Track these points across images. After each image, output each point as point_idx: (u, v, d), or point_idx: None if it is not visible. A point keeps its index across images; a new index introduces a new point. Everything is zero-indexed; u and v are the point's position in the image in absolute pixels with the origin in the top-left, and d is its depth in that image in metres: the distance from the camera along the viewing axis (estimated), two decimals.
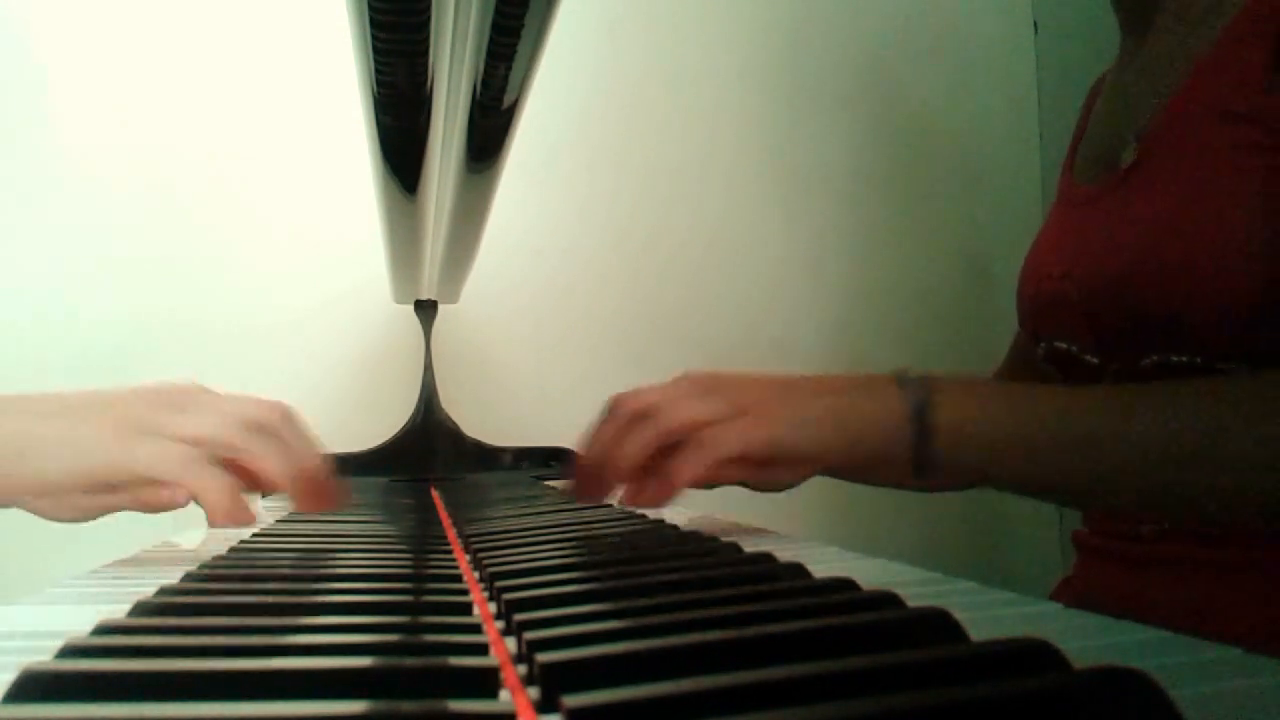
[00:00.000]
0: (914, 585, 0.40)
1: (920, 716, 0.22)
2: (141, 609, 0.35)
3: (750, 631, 0.28)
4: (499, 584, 0.38)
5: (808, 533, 0.59)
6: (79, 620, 0.33)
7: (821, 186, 1.35)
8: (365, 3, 0.40)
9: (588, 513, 0.63)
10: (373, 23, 0.41)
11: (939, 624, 0.29)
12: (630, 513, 0.69)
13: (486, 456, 1.08)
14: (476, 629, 0.32)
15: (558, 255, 1.25)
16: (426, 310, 1.08)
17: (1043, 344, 0.79)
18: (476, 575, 0.44)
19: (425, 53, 0.44)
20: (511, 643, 0.31)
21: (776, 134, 1.34)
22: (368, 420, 1.06)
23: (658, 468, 0.57)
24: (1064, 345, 0.76)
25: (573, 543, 0.52)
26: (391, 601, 0.37)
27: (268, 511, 0.75)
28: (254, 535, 0.62)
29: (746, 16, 1.34)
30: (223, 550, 0.55)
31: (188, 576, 0.43)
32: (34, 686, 0.25)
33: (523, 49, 0.45)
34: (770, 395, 0.58)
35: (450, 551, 0.52)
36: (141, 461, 0.51)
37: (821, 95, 1.36)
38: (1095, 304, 0.71)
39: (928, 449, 0.56)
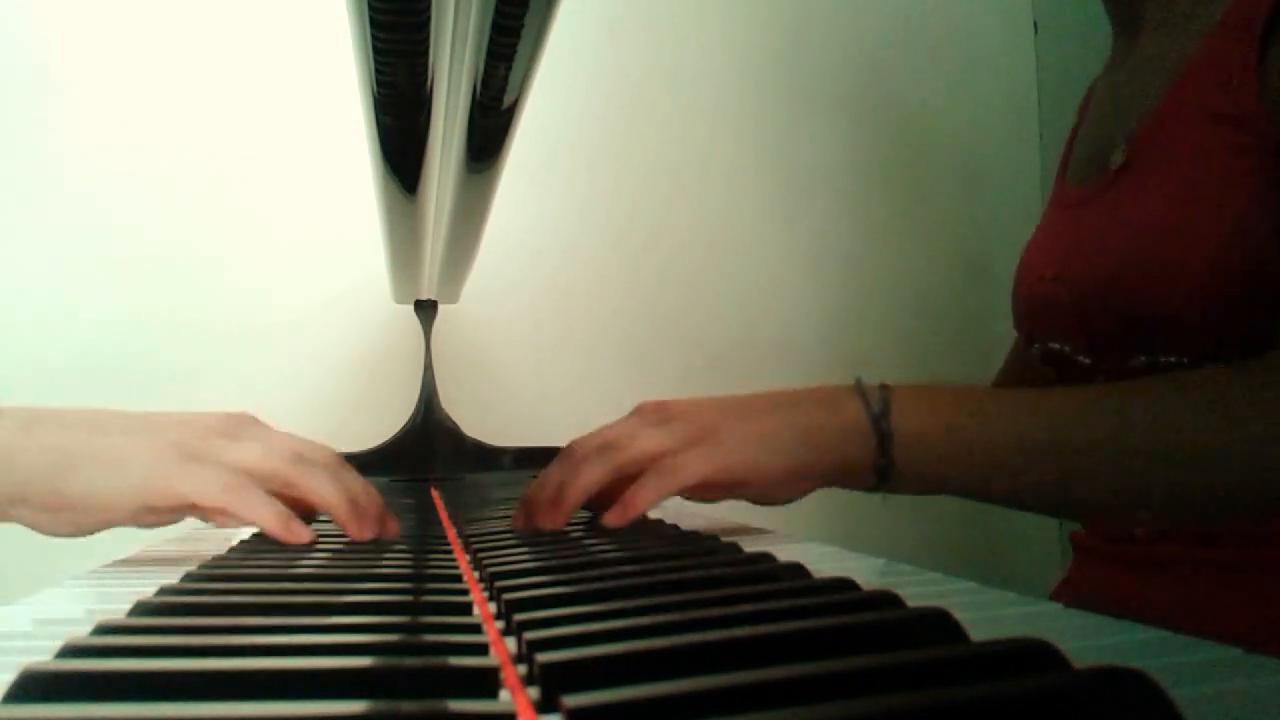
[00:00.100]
0: (914, 585, 0.40)
1: (920, 716, 0.22)
2: (141, 609, 0.35)
3: (750, 631, 0.28)
4: (499, 584, 0.38)
5: (808, 533, 0.59)
6: (79, 620, 0.33)
7: (821, 186, 1.35)
8: (365, 3, 0.40)
9: (587, 513, 0.63)
10: (373, 23, 0.41)
11: (939, 624, 0.29)
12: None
13: (486, 456, 1.08)
14: (476, 629, 0.32)
15: (558, 255, 1.25)
16: (426, 310, 1.08)
17: (1037, 345, 0.79)
18: (476, 575, 0.44)
19: (425, 53, 0.44)
20: (511, 643, 0.31)
21: (776, 134, 1.34)
22: (368, 420, 1.06)
23: (615, 498, 0.57)
24: (1057, 346, 0.76)
25: (573, 543, 0.52)
26: (391, 601, 0.37)
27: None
28: (254, 535, 0.62)
29: (746, 16, 1.34)
30: (223, 550, 0.55)
31: (188, 576, 0.43)
32: (34, 686, 0.25)
33: (523, 49, 0.45)
34: (726, 419, 0.58)
35: (450, 551, 0.52)
36: (188, 487, 0.51)
37: (821, 95, 1.36)
38: (1086, 305, 0.71)
39: (888, 457, 0.56)
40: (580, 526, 0.58)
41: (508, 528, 0.60)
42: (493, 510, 0.72)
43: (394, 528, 0.57)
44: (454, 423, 1.08)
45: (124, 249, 1.14)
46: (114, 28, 1.15)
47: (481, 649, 0.29)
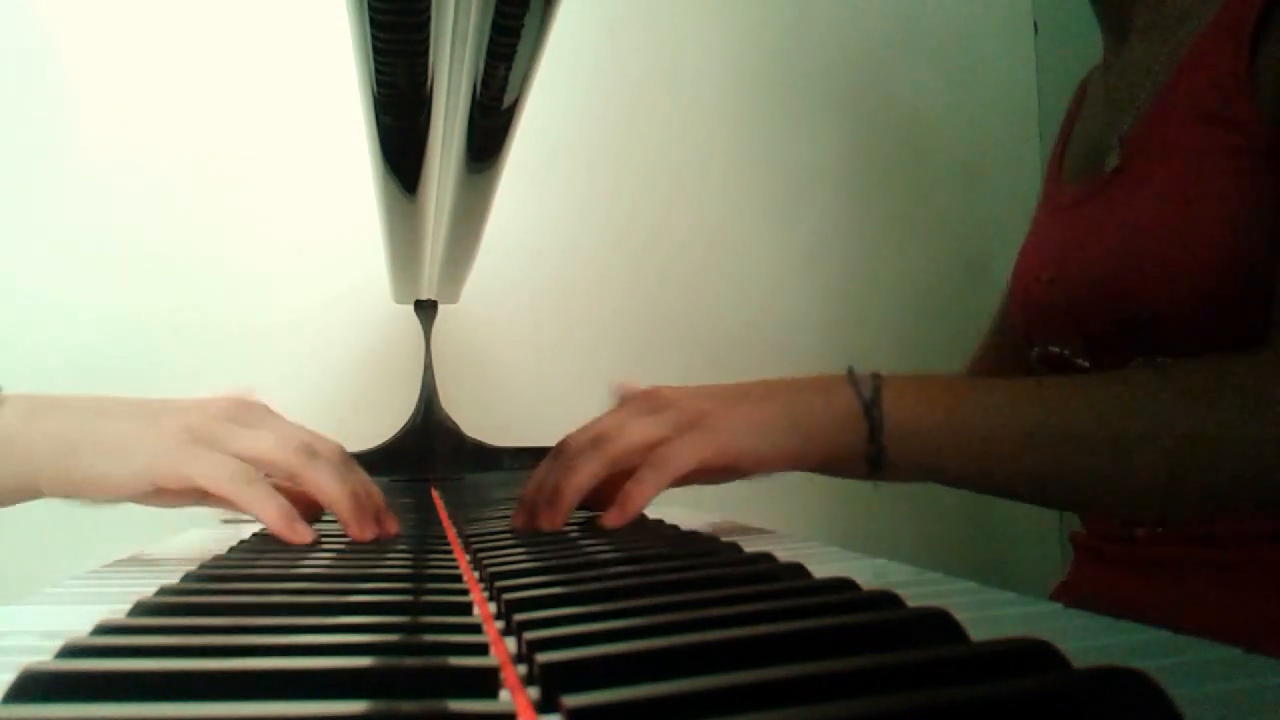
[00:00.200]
0: (914, 585, 0.40)
1: (920, 716, 0.22)
2: (141, 609, 0.35)
3: (750, 631, 0.28)
4: (499, 584, 0.38)
5: (808, 533, 0.59)
6: (79, 620, 0.33)
7: (821, 186, 1.35)
8: (365, 3, 0.40)
9: (586, 512, 0.63)
10: (373, 23, 0.41)
11: (939, 624, 0.29)
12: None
13: (486, 456, 1.08)
14: (476, 629, 0.32)
15: (558, 255, 1.25)
16: (426, 310, 1.08)
17: (1036, 349, 0.79)
18: (476, 575, 0.44)
19: (425, 53, 0.44)
20: (511, 643, 0.31)
21: (776, 134, 1.34)
22: (368, 420, 1.06)
23: (612, 492, 0.57)
24: (1056, 350, 0.76)
25: (573, 543, 0.52)
26: (391, 601, 0.37)
27: None
28: (254, 535, 0.62)
29: (746, 17, 1.34)
30: (223, 550, 0.55)
31: (188, 576, 0.43)
32: (34, 686, 0.25)
33: (523, 49, 0.45)
34: (718, 405, 0.58)
35: (450, 551, 0.51)
36: (196, 472, 0.52)
37: (821, 95, 1.36)
38: (1083, 307, 0.71)
39: (879, 444, 0.56)
40: (580, 526, 0.58)
41: (508, 528, 0.60)
42: (493, 510, 0.72)
43: (394, 526, 0.57)
44: (454, 423, 1.08)
45: (124, 249, 1.14)
46: (113, 28, 1.15)
47: (481, 649, 0.29)
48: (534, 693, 0.25)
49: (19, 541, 1.03)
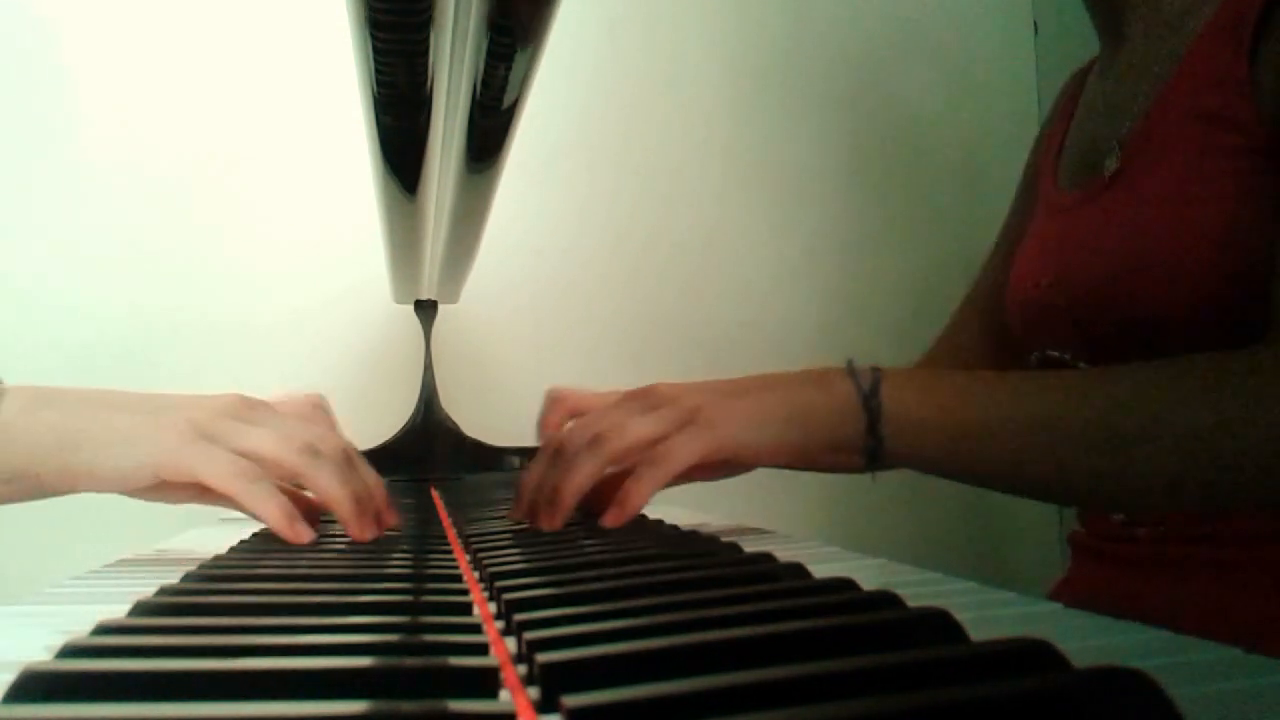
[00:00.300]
0: (914, 585, 0.40)
1: (920, 716, 0.22)
2: (141, 609, 0.35)
3: (750, 631, 0.28)
4: (499, 584, 0.38)
5: (808, 533, 0.59)
6: (79, 620, 0.33)
7: (821, 186, 1.35)
8: (365, 3, 0.40)
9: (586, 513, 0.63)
10: (373, 23, 0.41)
11: (939, 624, 0.29)
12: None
13: (486, 456, 1.08)
14: (476, 629, 0.32)
15: (558, 255, 1.25)
16: (426, 310, 1.08)
17: (1035, 353, 0.79)
18: (476, 575, 0.44)
19: (425, 53, 0.44)
20: (511, 643, 0.31)
21: (776, 134, 1.34)
22: (368, 420, 1.06)
23: (611, 491, 0.57)
24: (1056, 353, 0.76)
25: (572, 543, 0.52)
26: (391, 601, 0.37)
27: None
28: (254, 535, 0.62)
29: (746, 17, 1.34)
30: (223, 550, 0.55)
31: (188, 576, 0.43)
32: (34, 686, 0.25)
33: (523, 49, 0.45)
34: (715, 399, 0.57)
35: (450, 551, 0.51)
36: (200, 467, 0.52)
37: (821, 95, 1.36)
38: (1083, 310, 0.71)
39: (877, 436, 0.56)
40: (579, 526, 0.58)
41: (508, 527, 0.60)
42: (493, 510, 0.72)
43: (393, 519, 0.57)
44: (454, 423, 1.08)
45: (124, 249, 1.14)
46: (114, 29, 1.15)
47: (481, 649, 0.29)
48: (534, 693, 0.25)
49: (19, 541, 1.03)
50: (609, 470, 0.57)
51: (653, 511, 0.71)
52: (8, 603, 0.40)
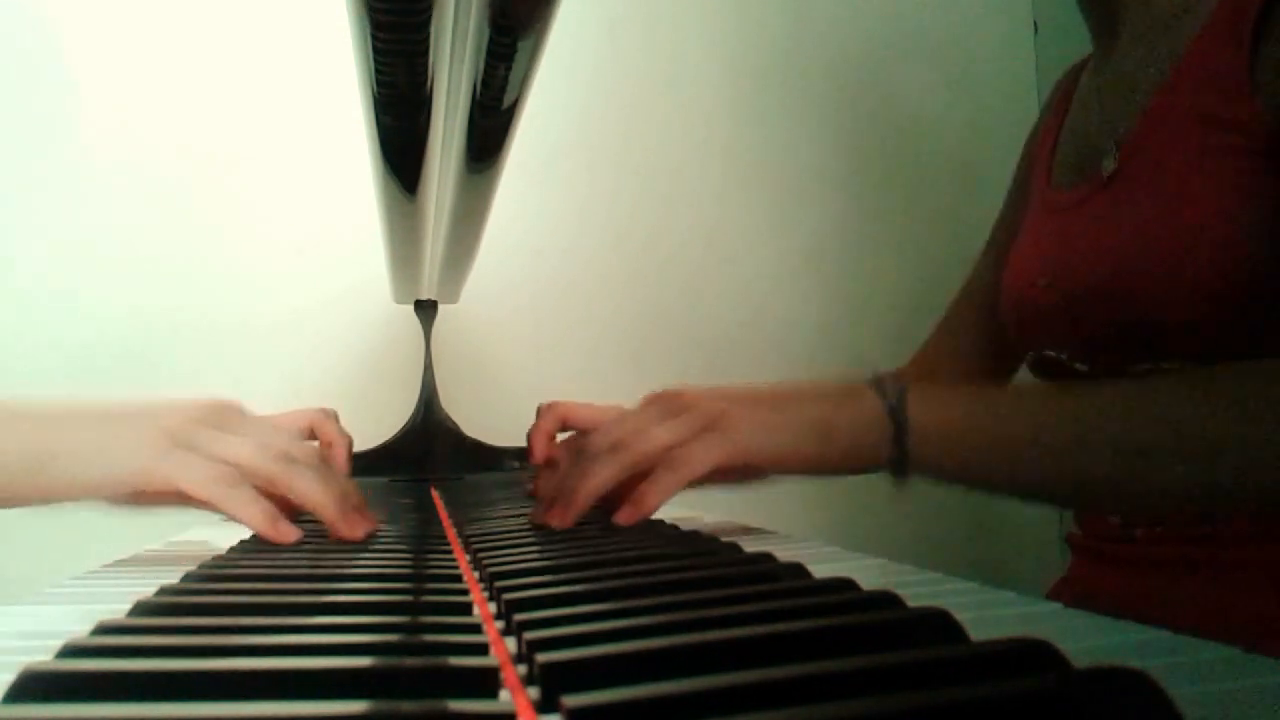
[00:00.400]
0: (914, 585, 0.40)
1: (920, 716, 0.22)
2: (141, 609, 0.35)
3: (750, 631, 0.28)
4: (499, 584, 0.38)
5: (808, 533, 0.59)
6: (79, 620, 0.33)
7: (821, 186, 1.35)
8: (365, 3, 0.40)
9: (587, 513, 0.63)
10: (373, 23, 0.41)
11: (939, 624, 0.29)
12: None
13: (486, 456, 1.08)
14: (476, 629, 0.32)
15: (558, 255, 1.25)
16: (426, 310, 1.08)
17: (1031, 354, 0.79)
18: (476, 575, 0.44)
19: (425, 53, 0.44)
20: (511, 643, 0.31)
21: (776, 134, 1.34)
22: (368, 420, 1.06)
23: (628, 492, 0.57)
24: (1053, 354, 0.76)
25: (573, 543, 0.52)
26: (391, 601, 0.37)
27: None
28: (253, 536, 0.62)
29: (746, 17, 1.34)
30: (223, 550, 0.55)
31: (188, 576, 0.43)
32: (34, 686, 0.25)
33: (523, 49, 0.45)
34: (737, 407, 0.57)
35: (450, 551, 0.52)
36: (178, 475, 0.52)
37: (821, 95, 1.36)
38: (1081, 311, 0.71)
39: (904, 448, 0.56)
40: (580, 526, 0.58)
41: (508, 527, 0.60)
42: (493, 510, 0.72)
43: (371, 525, 0.57)
44: (454, 423, 1.08)
45: (124, 249, 1.14)
46: (114, 29, 1.15)
47: (481, 649, 0.29)
48: (534, 693, 0.25)
49: (19, 541, 1.03)
50: (628, 475, 0.57)
51: (654, 512, 0.71)
52: (8, 603, 0.40)
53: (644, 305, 1.28)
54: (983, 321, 0.89)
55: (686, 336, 1.28)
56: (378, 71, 0.45)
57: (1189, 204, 0.64)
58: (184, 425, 0.53)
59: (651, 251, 1.29)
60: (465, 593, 0.39)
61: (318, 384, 1.17)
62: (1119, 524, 0.73)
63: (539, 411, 0.73)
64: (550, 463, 0.71)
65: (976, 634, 0.28)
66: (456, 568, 0.45)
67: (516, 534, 0.57)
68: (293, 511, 0.56)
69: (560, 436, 0.74)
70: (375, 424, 1.06)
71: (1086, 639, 0.29)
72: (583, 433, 0.70)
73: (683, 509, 0.73)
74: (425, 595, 0.39)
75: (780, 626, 0.29)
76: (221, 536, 0.64)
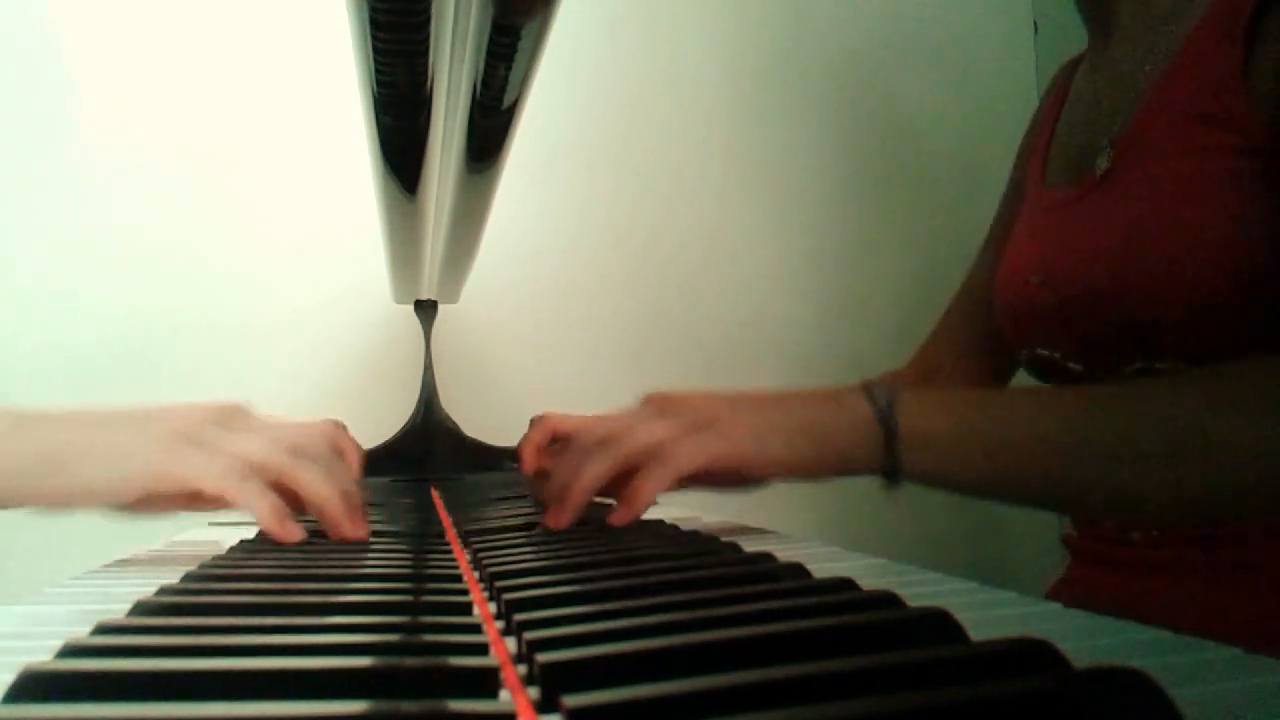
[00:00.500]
0: (914, 585, 0.40)
1: (920, 716, 0.22)
2: (141, 609, 0.35)
3: (750, 631, 0.28)
4: (499, 584, 0.38)
5: (808, 533, 0.59)
6: (79, 620, 0.33)
7: (821, 187, 1.35)
8: (365, 3, 0.40)
9: (587, 513, 0.63)
10: (373, 23, 0.41)
11: (939, 624, 0.29)
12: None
13: (486, 456, 1.08)
14: (476, 629, 0.32)
15: (558, 255, 1.25)
16: (426, 310, 1.08)
17: (1024, 352, 0.79)
18: (476, 575, 0.44)
19: (425, 53, 0.44)
20: (511, 643, 0.31)
21: (776, 134, 1.34)
22: (368, 420, 1.06)
23: (620, 489, 0.57)
24: (1046, 353, 0.75)
25: (573, 543, 0.52)
26: (391, 601, 0.37)
27: None
28: (254, 536, 0.62)
29: (746, 17, 1.34)
30: (223, 550, 0.55)
31: (188, 576, 0.43)
32: (34, 686, 0.25)
33: (523, 49, 0.45)
34: (730, 409, 0.58)
35: (450, 551, 0.52)
36: (190, 471, 0.52)
37: (821, 95, 1.36)
38: (1075, 310, 0.71)
39: (895, 453, 0.56)
40: (580, 526, 0.58)
41: (507, 527, 0.60)
42: (493, 510, 0.72)
43: (364, 531, 0.57)
44: (454, 423, 1.08)
45: (125, 249, 1.14)
46: (114, 30, 1.15)
47: (481, 649, 0.29)
48: (534, 693, 0.25)
49: (19, 541, 1.03)
50: (620, 470, 0.57)
51: (653, 512, 0.71)
52: (8, 603, 0.40)
53: (644, 305, 1.28)
54: (981, 320, 0.89)
55: (686, 336, 1.28)
56: (378, 71, 0.45)
57: (1183, 203, 0.64)
58: (193, 426, 0.53)
59: (651, 252, 1.29)
60: (465, 593, 0.39)
61: (318, 384, 1.17)
62: (1116, 526, 0.73)
63: (531, 424, 0.73)
64: (541, 474, 0.71)
65: (976, 634, 0.28)
66: (456, 568, 0.45)
67: (516, 534, 0.57)
68: (297, 509, 0.56)
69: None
70: (375, 424, 1.06)
71: (1086, 639, 0.29)
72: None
73: (683, 509, 0.73)
74: (425, 595, 0.39)
75: (780, 626, 0.29)
76: (221, 536, 0.64)
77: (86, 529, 0.83)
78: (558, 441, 0.74)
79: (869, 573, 0.41)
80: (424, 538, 0.59)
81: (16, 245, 1.12)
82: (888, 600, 0.33)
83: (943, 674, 0.24)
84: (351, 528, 0.55)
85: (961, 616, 0.29)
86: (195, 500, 0.54)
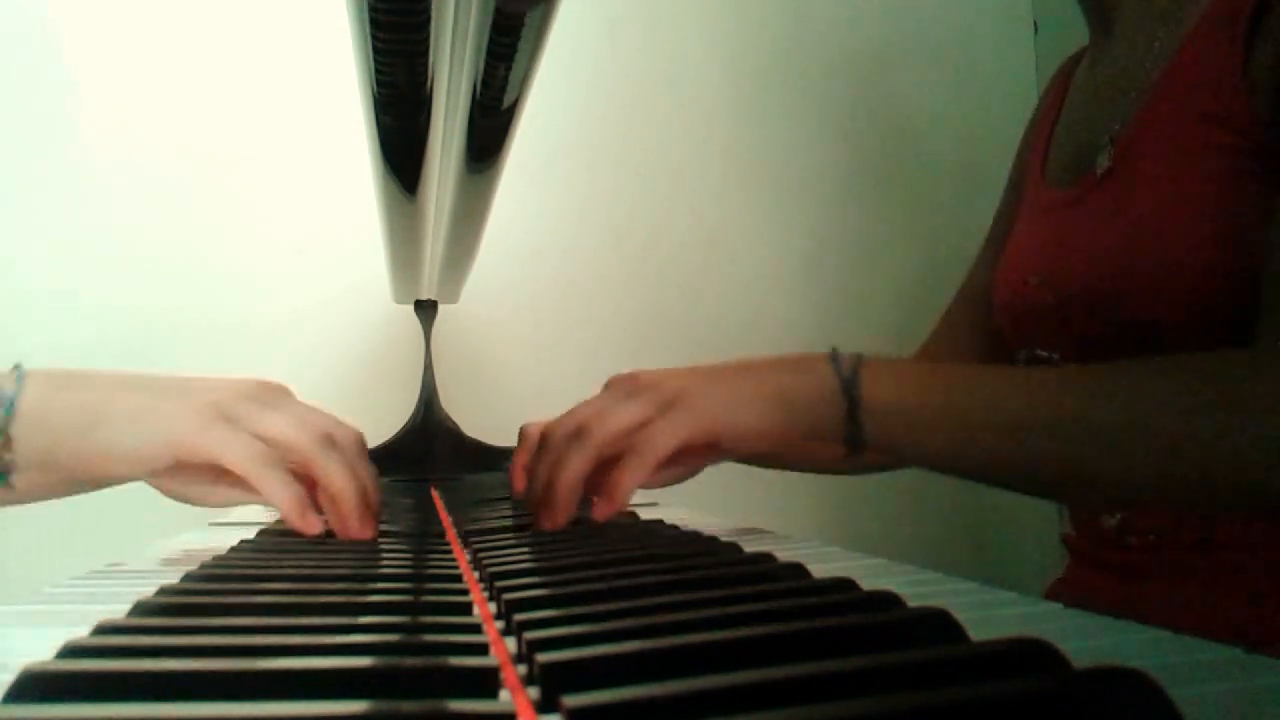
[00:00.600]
0: (914, 585, 0.40)
1: (920, 716, 0.22)
2: (141, 609, 0.35)
3: (750, 631, 0.28)
4: (499, 584, 0.38)
5: (808, 533, 0.59)
6: (79, 621, 0.33)
7: (821, 187, 1.35)
8: (365, 3, 0.40)
9: (581, 511, 0.63)
10: (373, 23, 0.41)
11: (939, 624, 0.29)
12: (630, 512, 0.69)
13: (486, 456, 1.08)
14: (476, 629, 0.32)
15: (558, 255, 1.25)
16: (426, 310, 1.08)
17: (1023, 352, 0.78)
18: (476, 575, 0.44)
19: (425, 53, 0.44)
20: (511, 643, 0.31)
21: (776, 134, 1.34)
22: (368, 420, 1.05)
23: (600, 483, 0.57)
24: (1044, 354, 0.75)
25: (573, 543, 0.52)
26: (391, 601, 0.37)
27: (266, 511, 0.75)
28: (255, 535, 0.62)
29: (746, 17, 1.34)
30: (223, 550, 0.55)
31: (188, 576, 0.43)
32: (34, 686, 0.25)
33: (523, 49, 0.45)
34: (696, 383, 0.57)
35: (450, 551, 0.52)
36: (218, 447, 0.52)
37: (821, 95, 1.36)
38: (1074, 311, 0.71)
39: (858, 422, 0.56)
40: (580, 526, 0.58)
41: (507, 527, 0.60)
42: (493, 510, 0.72)
43: (372, 531, 0.57)
44: (454, 423, 1.08)
45: (125, 249, 1.14)
46: (114, 30, 1.15)
47: (481, 649, 0.29)
48: (534, 693, 0.25)
49: (19, 541, 1.03)
50: (598, 460, 0.57)
51: (653, 512, 0.71)
52: (8, 603, 0.40)
53: (644, 305, 1.28)
54: (981, 321, 0.89)
55: (686, 337, 1.28)
56: (378, 71, 0.45)
57: (1183, 203, 0.64)
58: (229, 399, 0.54)
59: (651, 252, 1.29)
60: (465, 593, 0.39)
61: (318, 384, 1.16)
62: (1113, 529, 0.72)
63: (520, 436, 0.72)
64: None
65: (976, 634, 0.28)
66: (456, 568, 0.45)
67: (516, 534, 0.57)
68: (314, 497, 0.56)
69: None
70: (375, 424, 1.05)
71: (1086, 639, 0.30)
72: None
73: (683, 509, 0.73)
74: (425, 595, 0.39)
75: (780, 626, 0.29)
76: (221, 537, 0.64)
77: (86, 529, 0.83)
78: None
79: (869, 573, 0.41)
80: (424, 538, 0.59)
81: (16, 245, 1.12)
82: (888, 600, 0.33)
83: (943, 674, 0.24)
84: (359, 527, 0.55)
85: (961, 616, 0.29)
86: (222, 477, 0.54)
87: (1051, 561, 1.30)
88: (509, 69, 0.47)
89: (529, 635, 0.28)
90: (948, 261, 1.38)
